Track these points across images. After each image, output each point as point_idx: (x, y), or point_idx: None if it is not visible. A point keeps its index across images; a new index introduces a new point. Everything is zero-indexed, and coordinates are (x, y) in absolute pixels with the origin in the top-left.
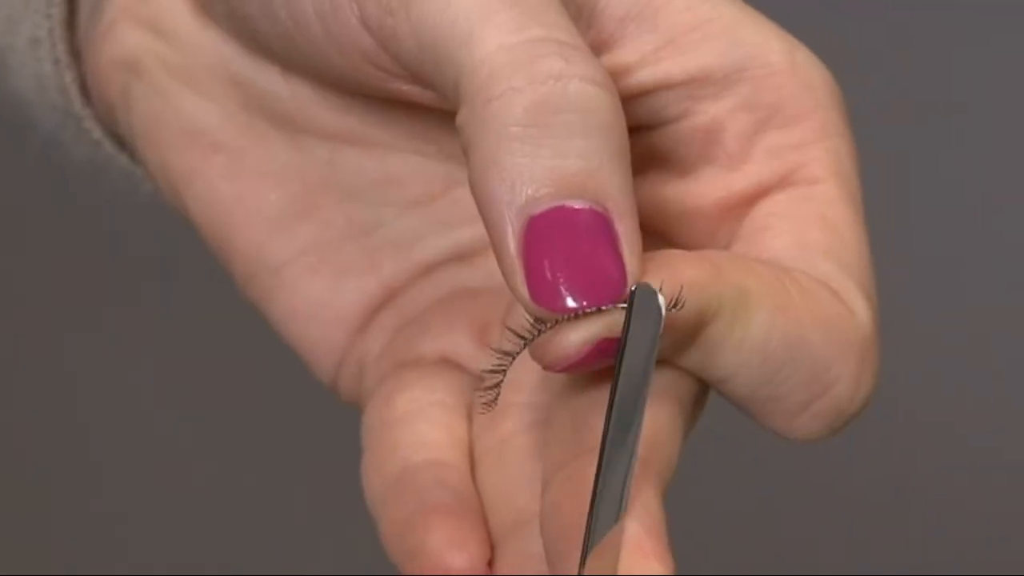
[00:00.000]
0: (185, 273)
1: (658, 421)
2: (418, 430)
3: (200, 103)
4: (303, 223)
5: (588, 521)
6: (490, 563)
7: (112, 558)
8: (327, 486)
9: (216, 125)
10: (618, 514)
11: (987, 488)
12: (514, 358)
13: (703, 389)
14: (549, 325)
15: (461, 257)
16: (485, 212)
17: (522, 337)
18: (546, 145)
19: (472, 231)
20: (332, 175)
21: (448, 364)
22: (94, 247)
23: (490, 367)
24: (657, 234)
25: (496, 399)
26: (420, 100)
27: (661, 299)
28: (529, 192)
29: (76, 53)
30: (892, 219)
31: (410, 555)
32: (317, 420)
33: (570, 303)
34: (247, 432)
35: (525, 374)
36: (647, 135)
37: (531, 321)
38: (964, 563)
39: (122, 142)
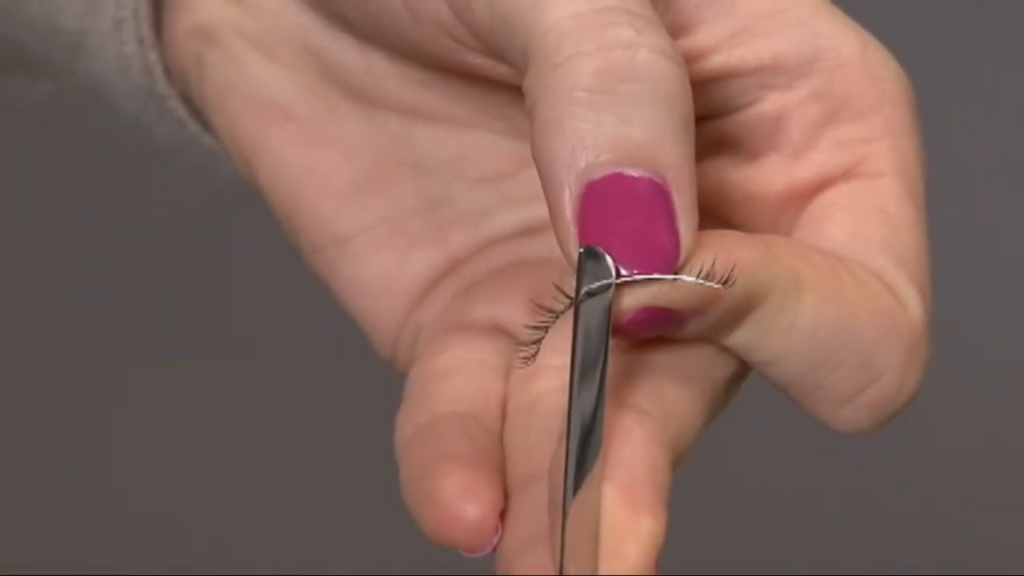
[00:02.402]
0: (187, 275)
1: (680, 396)
2: (454, 385)
3: (275, 71)
4: (373, 196)
5: (565, 471)
6: (502, 515)
7: (113, 558)
8: (329, 487)
9: (290, 94)
10: (591, 460)
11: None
12: (558, 316)
13: (740, 372)
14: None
15: (528, 233)
16: (544, 175)
17: (569, 297)
18: (611, 112)
19: (541, 209)
20: (404, 149)
21: (498, 330)
22: (95, 244)
23: (533, 323)
24: (720, 219)
25: (535, 355)
26: (493, 75)
27: (610, 261)
28: (590, 158)
29: (159, 32)
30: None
31: (423, 500)
32: (318, 421)
33: (621, 271)
34: (249, 433)
35: (567, 339)
36: (717, 122)
37: None
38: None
39: (196, 114)
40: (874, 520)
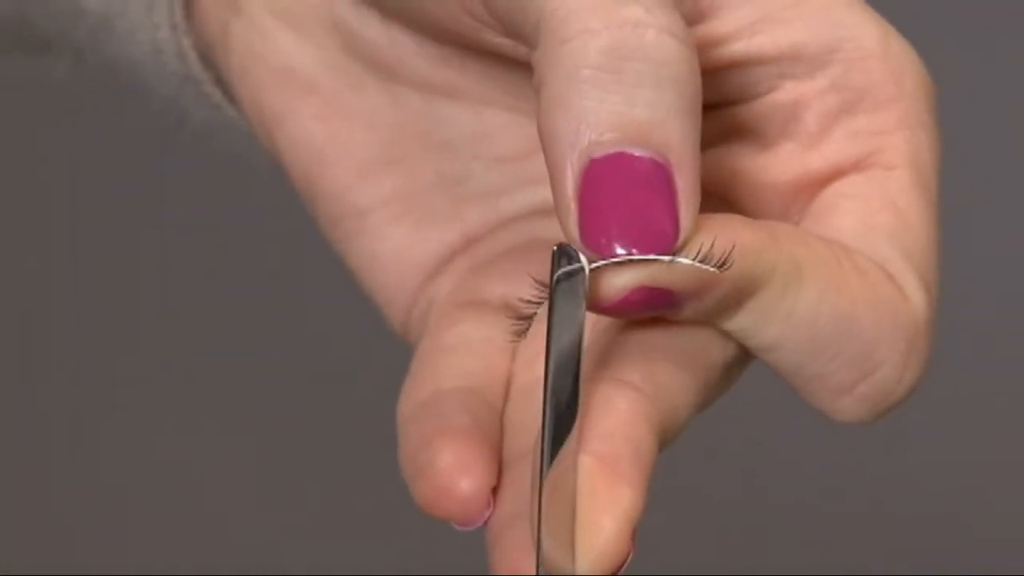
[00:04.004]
0: (187, 278)
1: (673, 376)
2: (459, 360)
3: (298, 43)
4: (392, 171)
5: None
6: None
7: (112, 558)
8: (328, 487)
9: (312, 66)
10: (565, 433)
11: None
12: (547, 297)
13: (741, 357)
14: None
15: (544, 214)
16: (548, 151)
17: (544, 285)
18: (616, 91)
19: None
20: (425, 125)
21: (509, 309)
22: (94, 244)
23: (527, 298)
24: (730, 206)
25: (527, 330)
26: (514, 55)
27: (584, 259)
28: (593, 136)
29: (191, 16)
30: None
31: (419, 472)
32: (318, 423)
33: (618, 250)
34: (249, 434)
35: None
36: (733, 109)
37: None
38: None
39: (230, 97)
40: (873, 519)
